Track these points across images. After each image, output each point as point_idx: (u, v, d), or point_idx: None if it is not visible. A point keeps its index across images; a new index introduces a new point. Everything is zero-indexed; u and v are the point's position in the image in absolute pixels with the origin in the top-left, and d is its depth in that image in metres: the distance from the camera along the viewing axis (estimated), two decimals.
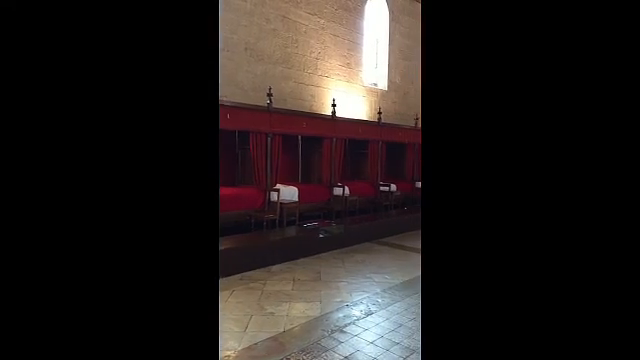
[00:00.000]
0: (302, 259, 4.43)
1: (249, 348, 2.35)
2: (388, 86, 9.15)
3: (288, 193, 5.54)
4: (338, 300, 3.19)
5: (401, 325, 2.70)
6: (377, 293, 3.37)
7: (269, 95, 5.36)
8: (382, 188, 7.03)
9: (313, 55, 7.28)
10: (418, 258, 4.57)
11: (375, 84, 8.96)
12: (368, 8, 8.52)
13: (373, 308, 3.01)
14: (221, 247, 3.79)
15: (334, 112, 6.42)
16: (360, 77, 8.34)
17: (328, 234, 5.09)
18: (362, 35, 8.30)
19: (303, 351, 2.31)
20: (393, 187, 7.07)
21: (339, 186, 6.20)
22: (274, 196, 5.25)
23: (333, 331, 2.60)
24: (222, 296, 3.16)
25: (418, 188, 7.86)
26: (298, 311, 2.95)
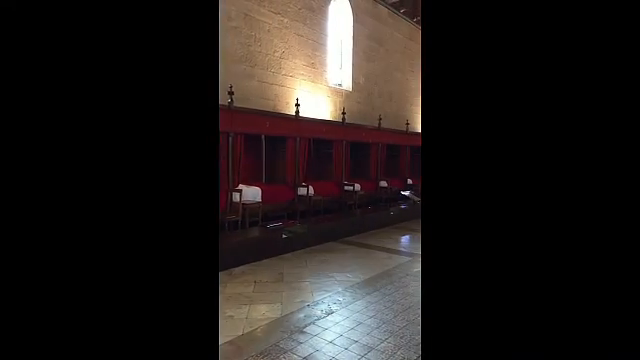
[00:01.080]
0: (265, 260, 4.37)
1: None
2: (352, 87, 9.25)
3: (251, 194, 5.46)
4: (299, 300, 3.17)
5: (360, 323, 2.73)
6: (339, 292, 3.39)
7: (230, 94, 5.24)
8: (346, 188, 7.10)
9: (277, 54, 7.22)
10: (380, 256, 4.67)
11: (340, 84, 9.04)
12: (332, 9, 8.57)
13: (334, 307, 3.03)
14: None
15: (298, 112, 6.40)
16: (325, 77, 8.37)
17: (292, 234, 5.06)
18: (326, 36, 8.33)
19: (261, 354, 2.27)
20: (357, 187, 7.16)
21: (303, 186, 6.19)
22: (236, 197, 5.15)
23: (293, 332, 2.58)
24: None
25: (382, 187, 8.02)
26: (258, 313, 2.90)
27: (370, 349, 2.35)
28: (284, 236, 4.94)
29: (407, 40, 11.15)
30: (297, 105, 6.42)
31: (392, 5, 10.18)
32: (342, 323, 2.73)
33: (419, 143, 9.90)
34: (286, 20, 7.33)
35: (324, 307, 3.03)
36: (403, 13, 10.68)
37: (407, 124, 10.08)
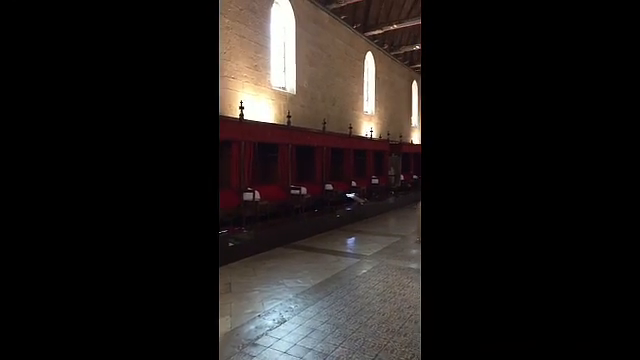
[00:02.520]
0: None
1: None
2: (296, 90, 9.25)
3: None
4: (249, 311, 3.06)
5: (314, 330, 2.70)
6: (290, 299, 3.33)
7: None
8: (293, 192, 7.05)
9: (219, 55, 6.95)
10: (329, 259, 4.69)
11: (283, 88, 8.98)
12: (274, 11, 8.50)
13: (286, 315, 2.96)
14: None
15: (242, 115, 6.23)
16: (268, 80, 8.26)
17: (238, 242, 4.89)
18: (269, 38, 8.24)
19: None
20: (304, 190, 7.15)
21: (249, 191, 6.03)
22: None
23: (244, 345, 2.47)
24: None
25: (328, 190, 8.11)
26: None
27: (325, 356, 2.33)
28: (230, 244, 4.75)
29: (347, 46, 11.44)
30: (241, 108, 6.24)
31: (333, 11, 10.38)
32: (295, 331, 2.68)
33: (362, 146, 10.23)
34: (227, 20, 7.11)
35: (276, 316, 2.95)
36: (344, 20, 10.95)
37: (350, 128, 10.32)
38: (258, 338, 2.57)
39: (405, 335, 2.59)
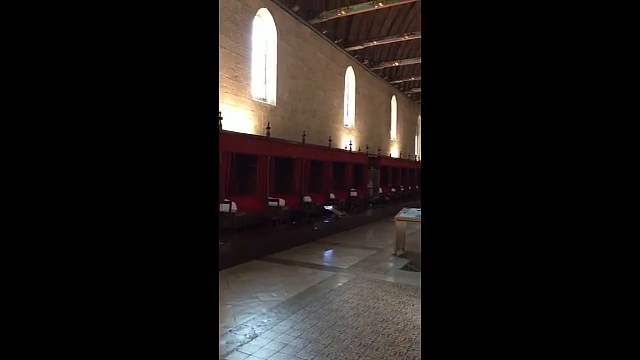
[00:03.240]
0: None
1: None
2: (277, 102, 9.29)
3: None
4: (221, 326, 2.99)
5: (286, 345, 2.66)
6: (263, 313, 3.28)
7: None
8: (271, 203, 7.01)
9: None
10: (305, 272, 4.66)
11: (264, 99, 9.00)
12: (256, 24, 8.57)
13: (258, 330, 2.91)
14: None
15: (220, 125, 6.19)
16: (248, 91, 8.27)
17: None
18: (250, 49, 8.28)
19: None
20: (282, 202, 7.12)
21: (226, 202, 5.95)
22: None
23: None
24: None
25: (306, 202, 8.10)
26: None
27: None
28: None
29: (329, 60, 11.63)
30: (220, 118, 6.20)
31: (315, 26, 10.57)
32: (267, 347, 2.64)
33: (341, 159, 10.32)
34: None
35: (248, 331, 2.90)
36: (325, 34, 11.15)
37: (330, 140, 10.41)
38: (228, 354, 2.52)
39: (377, 350, 2.59)
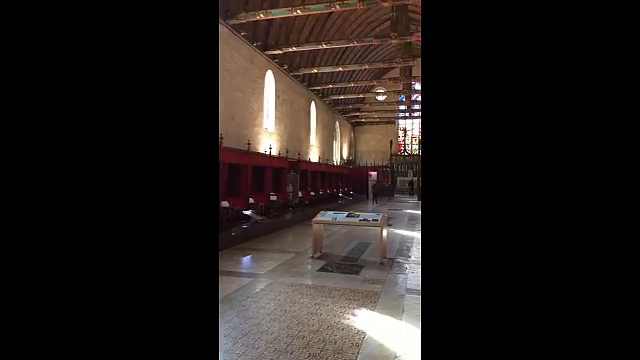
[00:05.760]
0: None
1: None
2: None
3: None
4: None
5: None
6: None
7: None
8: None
9: None
10: (221, 280, 4.48)
11: None
12: None
13: None
14: None
15: None
16: None
17: None
18: None
19: None
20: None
21: None
22: None
23: None
24: None
25: (224, 207, 7.83)
26: None
27: None
28: None
29: (248, 63, 11.45)
30: None
31: (232, 27, 10.32)
32: None
33: (261, 162, 10.20)
34: None
35: None
36: (243, 36, 10.96)
37: (249, 144, 10.24)
38: None
39: (291, 353, 2.61)
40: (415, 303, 3.72)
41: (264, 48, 12.17)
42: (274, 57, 13.07)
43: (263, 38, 12.03)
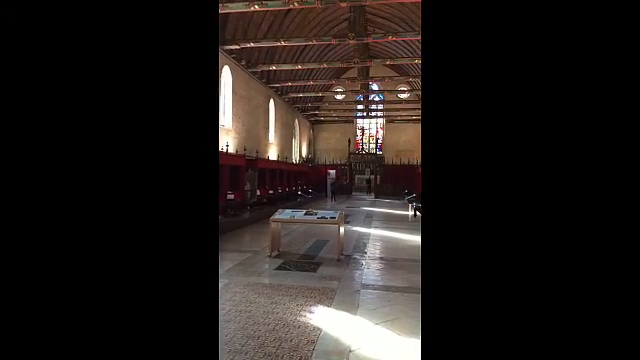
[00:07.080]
0: None
1: None
2: None
3: None
4: None
5: None
6: None
7: None
8: None
9: None
10: None
11: None
12: None
13: None
14: None
15: None
16: None
17: None
18: None
19: None
20: None
21: None
22: None
23: None
24: None
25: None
26: None
27: None
28: None
29: None
30: None
31: None
32: None
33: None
34: None
35: None
36: None
37: None
38: None
39: (246, 353, 2.58)
40: (369, 298, 3.82)
41: (221, 42, 11.83)
42: (231, 52, 12.76)
43: (220, 32, 11.69)
